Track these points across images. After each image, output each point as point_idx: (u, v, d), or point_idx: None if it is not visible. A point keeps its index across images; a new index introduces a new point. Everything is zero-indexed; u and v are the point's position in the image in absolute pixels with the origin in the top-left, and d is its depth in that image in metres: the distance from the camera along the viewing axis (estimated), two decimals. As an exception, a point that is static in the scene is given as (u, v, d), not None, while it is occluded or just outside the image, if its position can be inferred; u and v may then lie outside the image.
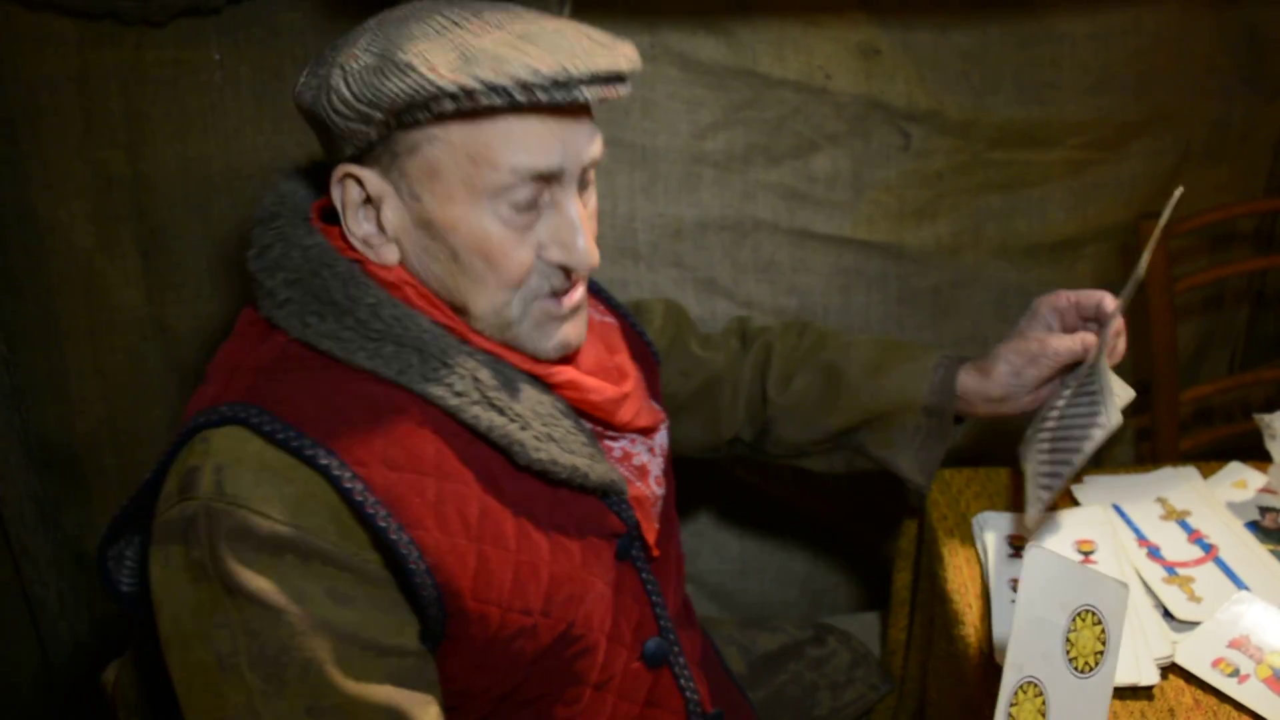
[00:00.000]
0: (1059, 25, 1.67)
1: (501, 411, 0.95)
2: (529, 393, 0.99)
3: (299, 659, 0.84)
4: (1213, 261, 1.90)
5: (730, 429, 1.40)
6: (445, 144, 0.91)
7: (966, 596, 1.23)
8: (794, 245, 1.72)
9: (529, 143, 0.91)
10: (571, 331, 1.01)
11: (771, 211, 1.70)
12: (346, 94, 0.89)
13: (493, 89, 0.86)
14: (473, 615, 0.90)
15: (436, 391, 0.92)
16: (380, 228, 0.96)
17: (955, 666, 1.23)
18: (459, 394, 0.93)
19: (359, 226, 0.97)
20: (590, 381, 1.04)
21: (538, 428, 0.96)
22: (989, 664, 1.15)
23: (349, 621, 0.86)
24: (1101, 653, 0.90)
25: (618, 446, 1.09)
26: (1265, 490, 1.33)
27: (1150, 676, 1.05)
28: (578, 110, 0.94)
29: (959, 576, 1.27)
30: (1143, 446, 1.90)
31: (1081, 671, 0.90)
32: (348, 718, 0.85)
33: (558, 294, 0.99)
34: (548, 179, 0.93)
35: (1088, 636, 0.90)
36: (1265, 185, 1.87)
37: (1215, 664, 1.06)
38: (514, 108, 0.89)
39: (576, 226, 0.96)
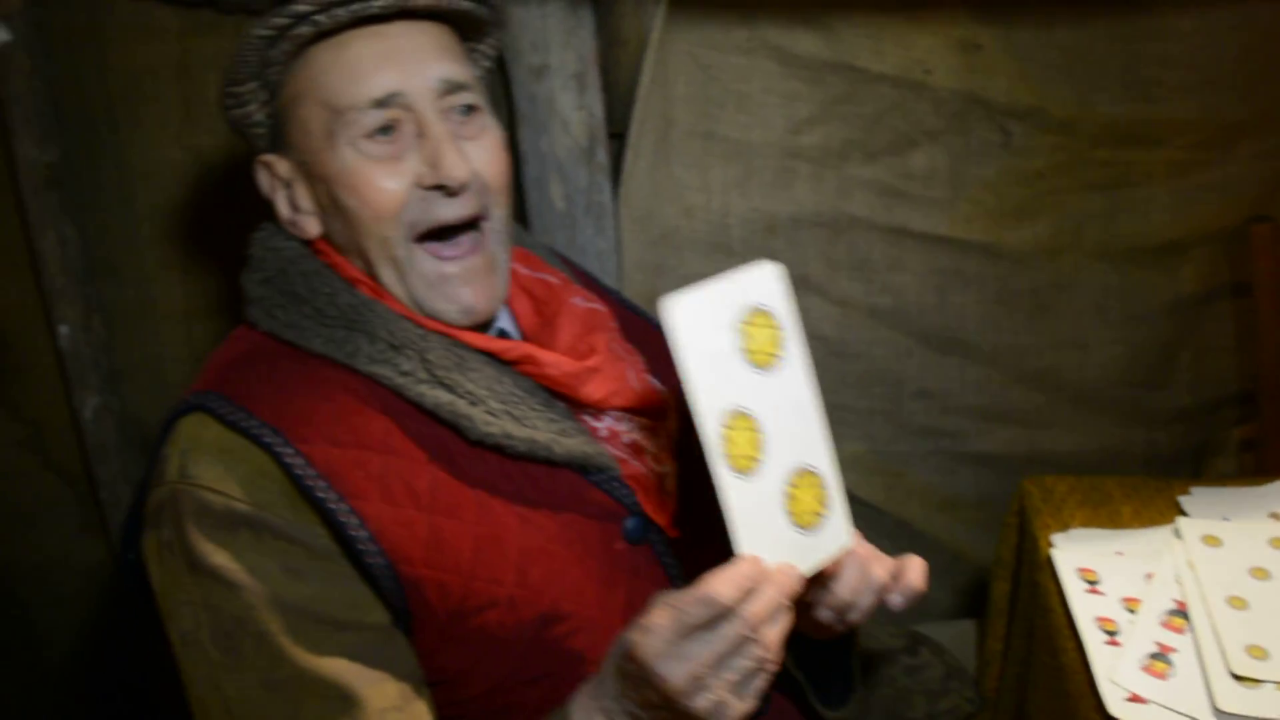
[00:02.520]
0: (1165, 21, 1.62)
1: (451, 389, 0.98)
2: (486, 372, 1.01)
3: (254, 631, 0.89)
4: (1321, 265, 1.83)
5: None
6: (305, 101, 0.99)
7: (1072, 608, 1.21)
8: (889, 243, 1.69)
9: (359, 69, 0.97)
10: (474, 296, 1.03)
11: (867, 208, 1.67)
12: (225, 88, 1.02)
13: (296, 17, 0.94)
14: (428, 583, 0.93)
15: (383, 371, 0.97)
16: (296, 206, 1.05)
17: (1057, 680, 1.21)
18: (405, 373, 0.98)
19: (284, 210, 1.05)
20: (547, 356, 1.04)
21: (492, 404, 0.99)
22: (1093, 678, 1.13)
23: (302, 595, 0.90)
24: (782, 346, 0.87)
25: (603, 426, 1.07)
26: (1387, 507, 1.28)
27: None
28: (412, 31, 1.00)
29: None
30: (1246, 458, 1.84)
31: (764, 368, 0.86)
32: (300, 691, 0.89)
33: (445, 238, 1.01)
34: (390, 103, 0.98)
35: (762, 338, 0.86)
36: (1378, 188, 1.80)
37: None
38: (330, 34, 0.97)
39: (439, 143, 0.98)
